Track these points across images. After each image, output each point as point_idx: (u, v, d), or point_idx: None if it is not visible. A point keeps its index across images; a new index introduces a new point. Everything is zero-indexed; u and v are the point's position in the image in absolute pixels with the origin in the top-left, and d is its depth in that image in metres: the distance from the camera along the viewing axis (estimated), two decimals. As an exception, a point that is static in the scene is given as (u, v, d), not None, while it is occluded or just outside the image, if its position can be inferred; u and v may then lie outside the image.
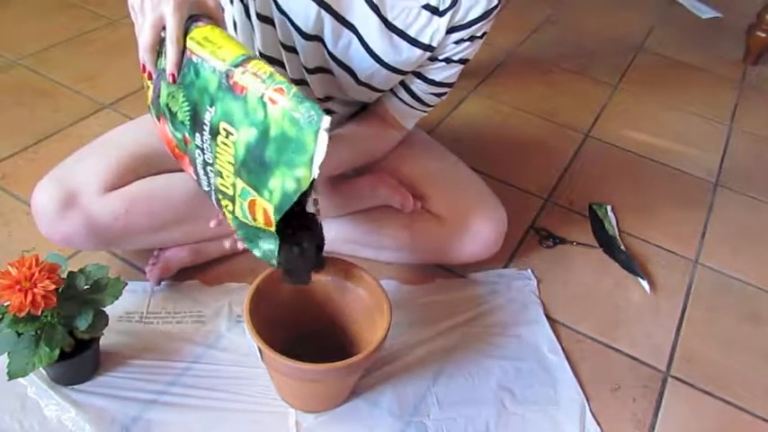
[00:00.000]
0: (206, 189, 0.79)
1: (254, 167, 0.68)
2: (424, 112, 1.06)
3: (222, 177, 0.73)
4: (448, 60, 0.98)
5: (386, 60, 0.94)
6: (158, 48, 0.74)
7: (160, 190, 0.96)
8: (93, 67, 1.57)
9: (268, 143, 0.66)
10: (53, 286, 0.77)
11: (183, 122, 0.74)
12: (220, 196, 0.75)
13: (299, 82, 0.99)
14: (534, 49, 1.98)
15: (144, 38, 0.72)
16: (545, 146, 1.56)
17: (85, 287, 0.85)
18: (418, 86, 1.01)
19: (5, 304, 0.76)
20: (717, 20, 2.33)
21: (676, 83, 1.92)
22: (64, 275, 0.82)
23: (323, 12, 0.88)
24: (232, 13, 0.95)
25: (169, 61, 0.71)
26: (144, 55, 0.74)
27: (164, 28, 0.71)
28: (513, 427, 0.91)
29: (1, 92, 1.46)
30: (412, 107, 1.04)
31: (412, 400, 0.93)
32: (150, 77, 0.76)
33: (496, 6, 0.93)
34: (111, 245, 1.02)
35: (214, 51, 0.69)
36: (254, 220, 0.72)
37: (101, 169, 0.93)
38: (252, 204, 0.71)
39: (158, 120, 0.79)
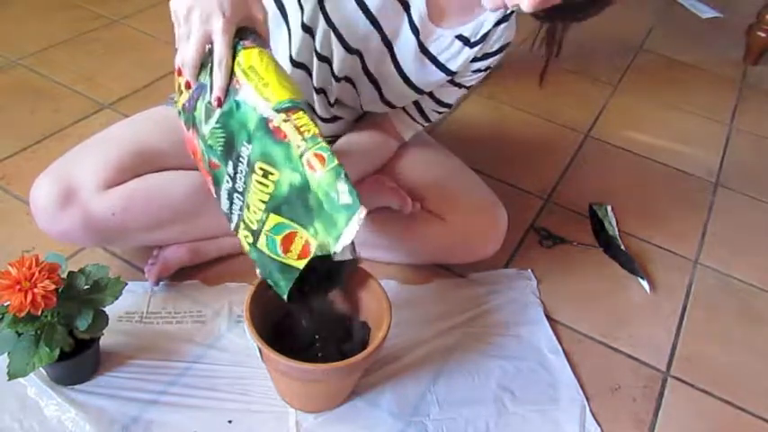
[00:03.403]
0: (225, 211, 0.78)
1: (300, 206, 0.67)
2: (424, 126, 1.12)
3: (249, 211, 0.72)
4: (460, 85, 1.04)
5: (412, 80, 0.98)
6: (202, 61, 0.72)
7: (159, 188, 0.96)
8: (93, 67, 1.57)
9: (310, 192, 0.65)
10: (53, 286, 0.76)
11: (212, 147, 0.73)
12: (242, 225, 0.75)
13: (319, 91, 1.00)
14: (534, 49, 1.98)
15: (189, 53, 0.70)
16: (545, 146, 1.56)
17: (85, 287, 0.85)
18: (427, 104, 1.06)
19: (5, 304, 0.76)
20: (717, 20, 2.33)
21: (676, 83, 1.92)
22: (64, 275, 0.82)
23: (374, 29, 0.91)
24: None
25: (216, 86, 0.70)
26: (187, 70, 0.72)
27: (210, 43, 0.69)
28: (513, 427, 0.91)
29: (1, 92, 1.46)
30: (416, 121, 1.09)
31: (412, 400, 0.93)
32: (189, 87, 0.75)
33: (511, 42, 1.00)
34: (108, 241, 1.02)
35: (258, 88, 0.67)
36: (287, 252, 0.70)
37: (100, 166, 0.93)
38: (289, 237, 0.69)
39: (188, 129, 0.78)
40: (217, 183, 0.76)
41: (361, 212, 0.62)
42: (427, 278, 1.13)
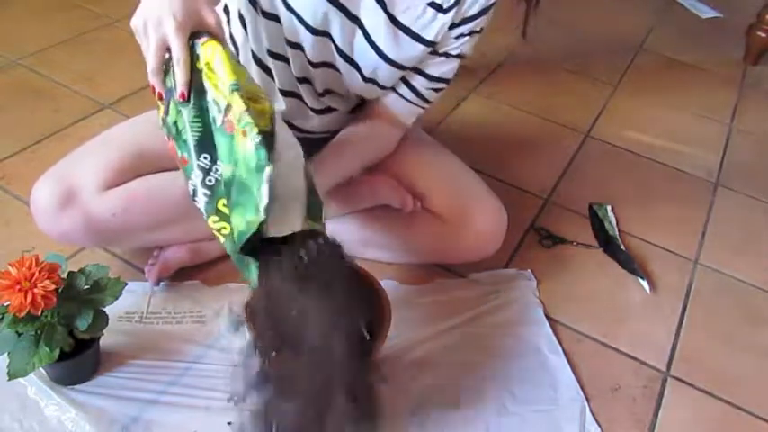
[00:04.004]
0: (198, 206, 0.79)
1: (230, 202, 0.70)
2: (423, 108, 1.06)
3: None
4: (447, 55, 0.99)
5: (389, 56, 0.95)
6: (165, 68, 0.75)
7: (159, 188, 0.97)
8: (93, 67, 1.57)
9: (234, 182, 0.68)
10: (53, 286, 0.77)
11: (185, 141, 0.75)
12: (217, 218, 0.75)
13: (302, 80, 1.00)
14: (534, 49, 1.98)
15: (150, 61, 0.73)
16: (545, 146, 1.56)
17: (85, 287, 0.85)
18: (418, 82, 1.02)
19: (5, 304, 0.76)
20: (717, 20, 2.33)
21: (676, 83, 1.92)
22: (64, 275, 0.82)
23: (331, 7, 0.90)
24: (238, 8, 0.95)
25: (178, 82, 0.72)
26: (152, 77, 0.75)
27: (168, 49, 0.72)
28: (513, 427, 0.91)
29: (1, 92, 1.46)
30: (412, 103, 1.04)
31: (412, 400, 0.93)
32: (161, 98, 0.77)
33: (495, 2, 0.95)
34: (109, 242, 1.02)
35: (215, 83, 0.71)
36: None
37: (100, 167, 0.93)
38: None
39: (169, 139, 0.80)
40: (187, 179, 0.77)
41: (266, 173, 0.64)
42: (427, 278, 1.13)
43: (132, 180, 0.95)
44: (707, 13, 2.35)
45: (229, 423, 0.87)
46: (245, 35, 0.97)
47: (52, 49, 1.63)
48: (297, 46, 0.94)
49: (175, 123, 0.76)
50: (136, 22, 0.73)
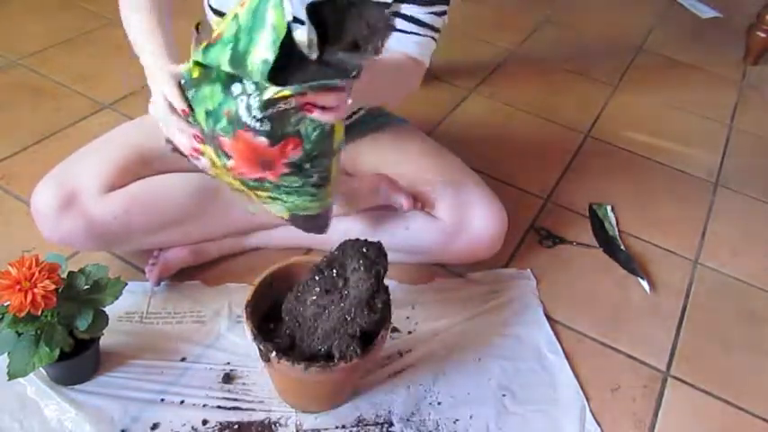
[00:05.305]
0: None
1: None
2: (433, 38, 0.99)
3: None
4: None
5: None
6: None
7: (160, 190, 0.97)
8: (93, 67, 1.57)
9: (240, 41, 0.68)
10: (53, 286, 0.77)
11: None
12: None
13: None
14: (534, 49, 1.98)
15: (158, 110, 0.79)
16: (545, 146, 1.56)
17: (85, 287, 0.85)
18: (411, 10, 0.95)
19: (5, 304, 0.76)
20: (717, 20, 2.33)
21: (676, 83, 1.92)
22: (64, 275, 0.82)
23: None
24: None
25: (177, 106, 0.77)
26: (165, 118, 0.79)
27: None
28: (513, 427, 0.91)
29: (1, 92, 1.46)
30: (418, 35, 0.97)
31: (412, 400, 0.93)
32: (202, 142, 0.78)
33: None
34: (110, 245, 1.02)
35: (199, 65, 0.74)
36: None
37: (101, 169, 0.93)
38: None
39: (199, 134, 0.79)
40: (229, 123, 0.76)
41: None
42: (427, 278, 1.13)
43: (133, 182, 0.95)
44: (707, 13, 2.35)
45: (230, 422, 0.87)
46: None
47: (52, 49, 1.63)
48: None
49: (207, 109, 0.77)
50: (151, 110, 0.80)
